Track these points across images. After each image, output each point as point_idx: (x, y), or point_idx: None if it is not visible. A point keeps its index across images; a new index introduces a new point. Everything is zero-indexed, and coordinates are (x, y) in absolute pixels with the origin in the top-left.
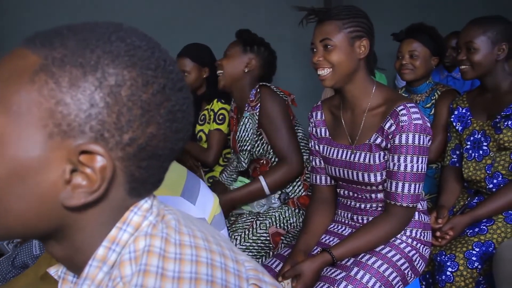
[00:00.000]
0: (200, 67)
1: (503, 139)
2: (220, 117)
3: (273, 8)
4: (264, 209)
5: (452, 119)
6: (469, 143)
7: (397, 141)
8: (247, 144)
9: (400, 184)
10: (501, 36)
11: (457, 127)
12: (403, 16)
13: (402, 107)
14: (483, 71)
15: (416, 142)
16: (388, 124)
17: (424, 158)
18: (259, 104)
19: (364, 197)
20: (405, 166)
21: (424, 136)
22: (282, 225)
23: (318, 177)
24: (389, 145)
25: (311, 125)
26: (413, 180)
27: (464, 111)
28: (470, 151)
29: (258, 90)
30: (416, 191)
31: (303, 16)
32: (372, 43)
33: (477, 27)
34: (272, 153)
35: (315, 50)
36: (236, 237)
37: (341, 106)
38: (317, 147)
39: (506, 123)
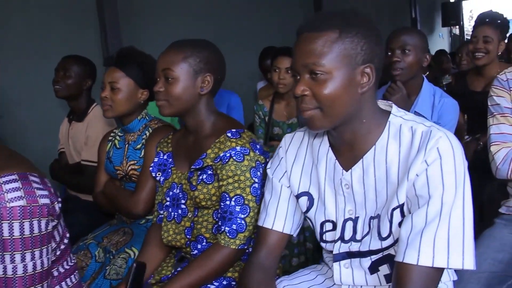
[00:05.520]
0: None
1: (199, 197)
2: None
3: None
4: None
5: (151, 169)
6: (168, 198)
7: None
8: None
9: None
10: (204, 64)
11: (158, 178)
12: None
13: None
14: (182, 107)
15: (17, 234)
16: None
17: (41, 251)
18: None
19: None
20: (14, 268)
21: (27, 223)
22: None
23: None
24: None
25: None
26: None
27: (165, 157)
28: (170, 209)
29: None
30: None
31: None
32: None
33: (174, 52)
34: None
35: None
36: None
37: None
38: None
39: (200, 178)
